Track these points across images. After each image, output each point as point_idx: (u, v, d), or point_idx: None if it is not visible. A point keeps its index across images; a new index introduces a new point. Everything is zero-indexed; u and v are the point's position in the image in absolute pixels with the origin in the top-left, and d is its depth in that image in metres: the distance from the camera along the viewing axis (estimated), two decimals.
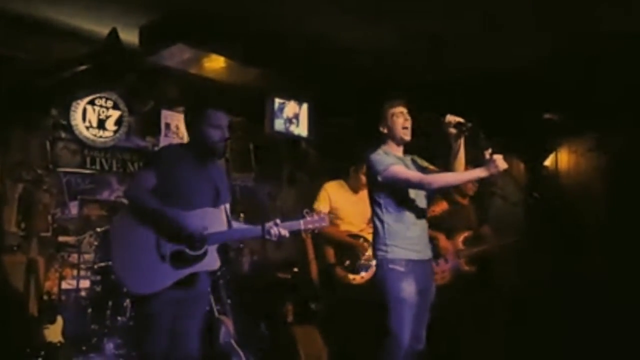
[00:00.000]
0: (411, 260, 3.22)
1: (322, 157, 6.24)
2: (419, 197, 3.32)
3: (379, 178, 3.22)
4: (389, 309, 3.17)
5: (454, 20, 4.03)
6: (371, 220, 3.43)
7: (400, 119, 3.30)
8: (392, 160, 3.21)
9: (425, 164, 3.45)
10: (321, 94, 5.41)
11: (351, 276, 4.36)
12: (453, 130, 3.19)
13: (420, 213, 3.32)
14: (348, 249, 4.39)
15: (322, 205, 4.44)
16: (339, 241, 4.41)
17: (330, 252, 4.47)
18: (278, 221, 3.01)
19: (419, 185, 3.21)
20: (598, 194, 5.42)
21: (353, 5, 3.88)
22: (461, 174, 3.19)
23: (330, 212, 4.40)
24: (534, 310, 5.03)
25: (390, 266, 3.20)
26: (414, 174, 3.21)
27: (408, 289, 3.17)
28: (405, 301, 3.16)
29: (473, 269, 4.55)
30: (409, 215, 3.27)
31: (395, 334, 3.15)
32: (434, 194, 3.59)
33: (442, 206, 4.66)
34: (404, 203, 3.27)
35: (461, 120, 3.18)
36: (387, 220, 3.26)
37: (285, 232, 3.00)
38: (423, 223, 3.35)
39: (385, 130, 3.34)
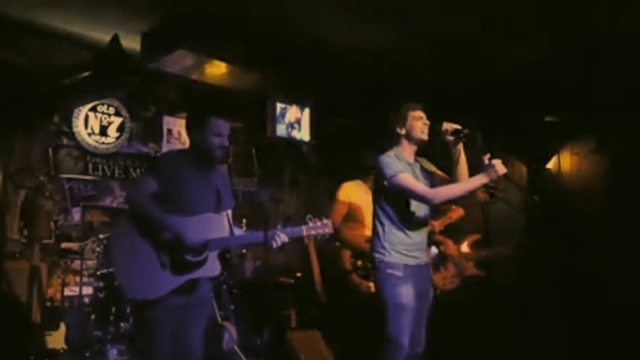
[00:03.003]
0: (409, 265, 3.23)
1: (323, 158, 6.23)
2: (421, 205, 3.32)
3: (385, 183, 3.21)
4: (387, 314, 3.17)
5: (454, 20, 4.03)
6: (372, 221, 3.43)
7: (420, 123, 3.29)
8: (401, 167, 3.20)
9: (432, 168, 3.46)
10: (321, 95, 5.41)
11: (366, 283, 4.27)
12: (450, 138, 3.21)
13: (421, 220, 3.34)
14: (365, 255, 4.24)
15: (340, 203, 4.35)
16: (355, 247, 4.30)
17: (346, 258, 4.41)
18: (279, 231, 2.96)
19: (421, 199, 3.22)
20: (600, 195, 5.41)
21: (353, 5, 3.89)
22: (463, 185, 3.18)
23: (347, 214, 4.36)
24: (537, 311, 5.00)
25: (389, 271, 3.21)
26: (419, 187, 3.19)
27: (406, 293, 3.18)
28: (403, 307, 3.16)
29: (482, 272, 4.53)
30: (410, 222, 3.28)
31: (394, 339, 3.14)
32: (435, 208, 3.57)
33: (458, 212, 4.60)
34: (407, 209, 3.28)
35: (458, 126, 3.20)
36: (387, 225, 3.28)
37: (284, 238, 2.95)
38: (423, 230, 3.37)
39: (403, 132, 3.32)
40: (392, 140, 3.37)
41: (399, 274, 3.19)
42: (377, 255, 3.27)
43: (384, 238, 3.26)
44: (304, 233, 3.03)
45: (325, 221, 3.07)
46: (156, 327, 2.82)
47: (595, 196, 5.44)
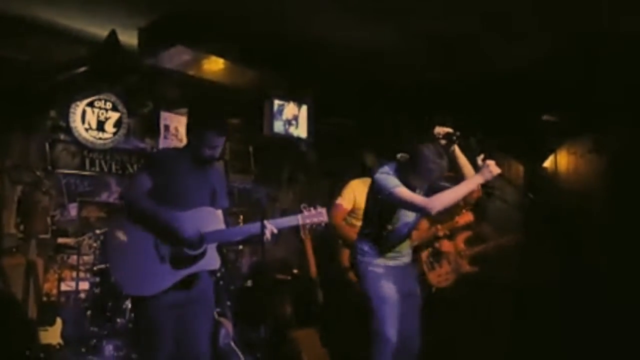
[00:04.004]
0: (389, 265, 3.36)
1: (321, 157, 6.23)
2: (409, 221, 3.40)
3: (379, 196, 3.29)
4: (371, 308, 3.27)
5: (454, 20, 4.02)
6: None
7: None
8: (397, 182, 3.25)
9: None
10: (321, 94, 5.40)
11: None
12: (443, 141, 3.27)
13: (405, 236, 3.44)
14: None
15: (345, 200, 4.37)
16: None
17: (346, 256, 4.41)
18: (270, 222, 2.98)
19: (420, 210, 3.26)
20: (597, 195, 5.42)
21: (353, 5, 3.87)
22: (460, 189, 3.21)
23: (352, 211, 4.36)
24: (535, 310, 5.02)
25: (370, 268, 3.34)
26: (416, 199, 3.23)
27: (387, 287, 3.28)
28: (386, 299, 3.26)
29: (476, 268, 4.54)
30: (392, 233, 3.38)
31: (380, 332, 3.22)
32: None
33: (466, 217, 4.59)
34: (393, 221, 3.36)
35: (449, 130, 3.26)
36: (371, 234, 3.40)
37: (273, 229, 2.96)
38: (408, 238, 3.48)
39: (409, 166, 3.30)
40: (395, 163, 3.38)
41: (380, 270, 3.33)
42: (358, 257, 3.41)
43: (364, 244, 3.40)
44: (300, 222, 3.05)
45: (320, 209, 3.09)
46: (156, 323, 2.83)
47: (593, 196, 5.45)
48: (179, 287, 2.85)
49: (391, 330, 3.20)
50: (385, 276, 3.30)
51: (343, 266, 4.41)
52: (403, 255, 3.44)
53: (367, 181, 4.37)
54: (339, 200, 4.40)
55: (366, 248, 3.38)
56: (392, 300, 3.25)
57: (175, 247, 2.85)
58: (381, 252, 3.36)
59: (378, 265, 3.32)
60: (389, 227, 3.36)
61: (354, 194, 4.39)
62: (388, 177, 3.27)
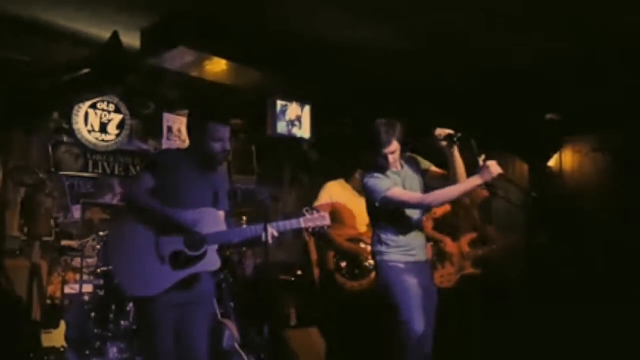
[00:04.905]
0: (409, 262, 3.33)
1: (323, 157, 6.22)
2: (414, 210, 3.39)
3: (377, 204, 3.29)
4: (396, 302, 3.23)
5: (455, 20, 4.02)
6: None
7: (395, 156, 3.32)
8: (388, 184, 3.25)
9: (426, 165, 3.48)
10: (321, 95, 5.40)
11: (349, 283, 4.31)
12: (444, 143, 3.24)
13: (415, 222, 3.41)
14: (347, 255, 4.33)
15: (322, 203, 4.36)
16: (337, 247, 4.33)
17: (330, 258, 4.42)
18: (272, 225, 2.97)
19: (418, 207, 3.29)
20: (602, 194, 5.41)
21: (353, 5, 3.88)
22: (458, 187, 3.21)
23: (331, 214, 4.35)
24: (538, 310, 5.01)
25: (391, 264, 3.31)
26: (412, 197, 3.26)
27: (411, 280, 3.26)
28: (410, 290, 3.24)
29: (479, 271, 4.53)
30: (404, 226, 3.36)
31: (407, 322, 3.19)
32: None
33: (444, 208, 4.62)
34: (400, 217, 3.35)
35: (451, 131, 3.23)
36: (383, 233, 3.36)
37: (274, 233, 2.95)
38: (418, 230, 3.45)
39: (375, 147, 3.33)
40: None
41: (401, 266, 3.30)
42: (377, 257, 3.37)
43: (381, 242, 3.36)
44: (302, 225, 3.04)
45: (322, 213, 3.10)
46: (157, 324, 2.81)
47: (597, 194, 5.44)
48: (179, 288, 2.84)
49: (419, 322, 3.19)
50: (407, 271, 3.29)
51: (329, 269, 4.41)
52: (420, 249, 3.41)
53: (342, 183, 4.47)
54: (315, 204, 4.40)
55: (384, 249, 3.34)
56: (416, 292, 3.25)
57: (176, 247, 2.85)
58: (397, 247, 3.32)
59: (399, 261, 3.30)
60: (396, 220, 3.34)
61: (331, 195, 4.41)
62: (377, 181, 3.26)
